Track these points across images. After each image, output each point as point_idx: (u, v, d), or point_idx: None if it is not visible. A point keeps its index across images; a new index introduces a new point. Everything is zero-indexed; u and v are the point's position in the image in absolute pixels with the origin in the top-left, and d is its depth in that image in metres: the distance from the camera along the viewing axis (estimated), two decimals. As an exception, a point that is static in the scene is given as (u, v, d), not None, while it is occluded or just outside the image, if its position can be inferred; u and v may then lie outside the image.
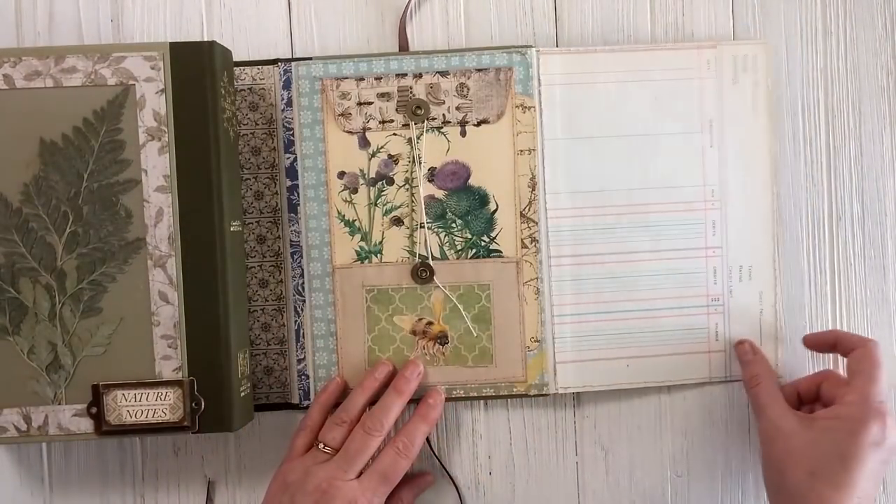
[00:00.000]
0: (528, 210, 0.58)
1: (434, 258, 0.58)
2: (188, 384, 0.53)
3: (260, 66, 0.58)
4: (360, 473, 0.52)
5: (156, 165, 0.53)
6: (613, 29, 0.61)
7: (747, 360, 0.57)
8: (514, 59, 0.57)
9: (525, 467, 0.61)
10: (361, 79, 0.57)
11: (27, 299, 0.53)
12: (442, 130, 0.58)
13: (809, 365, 0.61)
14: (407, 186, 0.58)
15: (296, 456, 0.53)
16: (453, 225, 0.58)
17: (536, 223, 0.58)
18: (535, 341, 0.58)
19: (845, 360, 0.55)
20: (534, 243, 0.58)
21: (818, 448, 0.49)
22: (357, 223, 0.58)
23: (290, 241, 0.58)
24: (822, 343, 0.58)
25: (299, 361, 0.59)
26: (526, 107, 0.57)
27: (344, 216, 0.58)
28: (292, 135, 0.58)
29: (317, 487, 0.50)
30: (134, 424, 0.53)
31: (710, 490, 0.61)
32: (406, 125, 0.58)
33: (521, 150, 0.58)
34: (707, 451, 0.61)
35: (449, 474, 0.61)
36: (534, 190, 0.58)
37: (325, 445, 0.53)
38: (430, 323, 0.58)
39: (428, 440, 0.60)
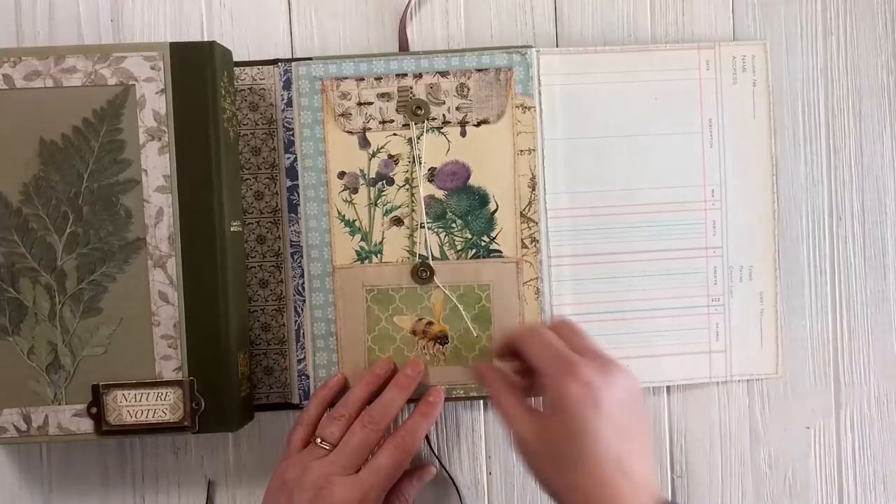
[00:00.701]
0: (528, 210, 0.58)
1: (434, 258, 0.58)
2: (188, 384, 0.53)
3: (260, 66, 0.58)
4: (359, 469, 0.51)
5: (156, 165, 0.53)
6: (613, 29, 0.61)
7: (482, 375, 0.53)
8: (514, 59, 0.57)
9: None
10: (361, 79, 0.57)
11: (27, 299, 0.53)
12: (442, 130, 0.58)
13: (810, 366, 0.61)
14: (407, 186, 0.58)
15: (293, 452, 0.53)
16: (453, 225, 0.58)
17: (536, 223, 0.58)
18: None
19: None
20: (534, 243, 0.58)
21: (548, 442, 0.45)
22: (357, 223, 0.58)
23: (290, 241, 0.58)
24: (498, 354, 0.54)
25: (299, 361, 0.59)
26: (526, 107, 0.57)
27: (344, 216, 0.58)
28: (292, 135, 0.58)
29: (314, 483, 0.50)
30: (134, 424, 0.53)
31: (710, 490, 0.61)
32: (406, 125, 0.58)
33: (521, 151, 0.58)
34: (707, 451, 0.61)
35: (449, 474, 0.60)
36: (534, 190, 0.58)
37: (322, 440, 0.52)
38: (430, 323, 0.58)
39: (428, 440, 0.60)
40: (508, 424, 0.48)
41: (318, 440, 0.52)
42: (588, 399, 0.45)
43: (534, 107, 0.57)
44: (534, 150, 0.57)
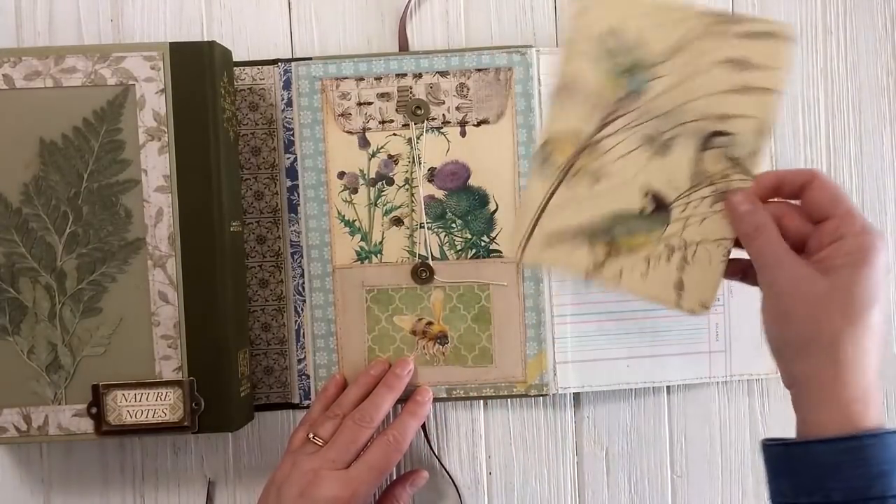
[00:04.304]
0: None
1: (434, 258, 0.58)
2: (188, 384, 0.53)
3: (260, 66, 0.58)
4: (350, 466, 0.51)
5: (156, 165, 0.53)
6: (613, 29, 0.61)
7: (743, 211, 0.47)
8: (514, 59, 0.57)
9: (525, 467, 0.61)
10: (361, 79, 0.57)
11: (27, 299, 0.53)
12: (442, 130, 0.58)
13: (809, 365, 0.61)
14: (407, 186, 0.58)
15: (291, 450, 0.53)
16: (453, 225, 0.58)
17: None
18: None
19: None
20: None
21: (846, 293, 0.43)
22: (357, 223, 0.58)
23: (290, 241, 0.58)
24: (762, 190, 0.48)
25: (299, 361, 0.59)
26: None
27: (344, 216, 0.58)
28: (292, 135, 0.58)
29: (303, 477, 0.50)
30: (134, 424, 0.53)
31: (710, 490, 0.61)
32: (406, 125, 0.58)
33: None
34: (707, 451, 0.61)
35: (449, 474, 0.61)
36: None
37: (315, 436, 0.53)
38: (430, 323, 0.58)
39: (428, 440, 0.60)
40: (784, 263, 0.45)
41: (311, 436, 0.53)
42: (889, 273, 0.46)
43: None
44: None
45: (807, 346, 0.44)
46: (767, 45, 0.48)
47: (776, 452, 0.45)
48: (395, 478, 0.58)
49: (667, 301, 0.50)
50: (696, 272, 0.49)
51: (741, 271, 0.49)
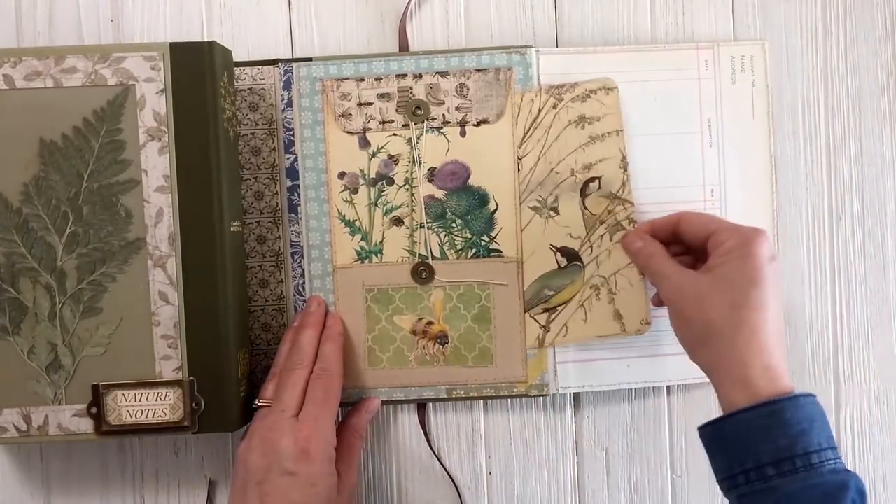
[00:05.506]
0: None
1: (434, 258, 0.58)
2: (188, 384, 0.53)
3: (260, 67, 0.58)
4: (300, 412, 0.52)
5: (156, 165, 0.53)
6: (613, 29, 0.61)
7: (636, 248, 0.55)
8: (513, 59, 0.57)
9: (525, 467, 0.61)
10: (362, 79, 0.57)
11: (27, 299, 0.53)
12: (442, 130, 0.58)
13: (810, 366, 0.61)
14: (407, 186, 0.58)
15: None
16: (453, 225, 0.58)
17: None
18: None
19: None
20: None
21: (727, 283, 0.48)
22: (357, 223, 0.58)
23: (291, 241, 0.58)
24: (665, 230, 0.55)
25: (299, 361, 0.58)
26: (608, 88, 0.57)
27: (344, 216, 0.58)
28: (292, 135, 0.58)
29: (262, 438, 0.51)
30: (134, 424, 0.53)
31: (710, 490, 0.61)
32: (406, 125, 0.58)
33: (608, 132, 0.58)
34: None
35: (449, 474, 0.61)
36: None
37: (261, 400, 0.54)
38: (430, 323, 0.58)
39: (428, 440, 0.60)
40: (670, 274, 0.51)
41: (258, 402, 0.54)
42: (774, 261, 0.49)
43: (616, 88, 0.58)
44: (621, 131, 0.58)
45: (706, 339, 0.49)
46: (597, 99, 0.57)
47: (709, 432, 0.49)
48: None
49: (614, 333, 0.58)
50: (625, 298, 0.57)
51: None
